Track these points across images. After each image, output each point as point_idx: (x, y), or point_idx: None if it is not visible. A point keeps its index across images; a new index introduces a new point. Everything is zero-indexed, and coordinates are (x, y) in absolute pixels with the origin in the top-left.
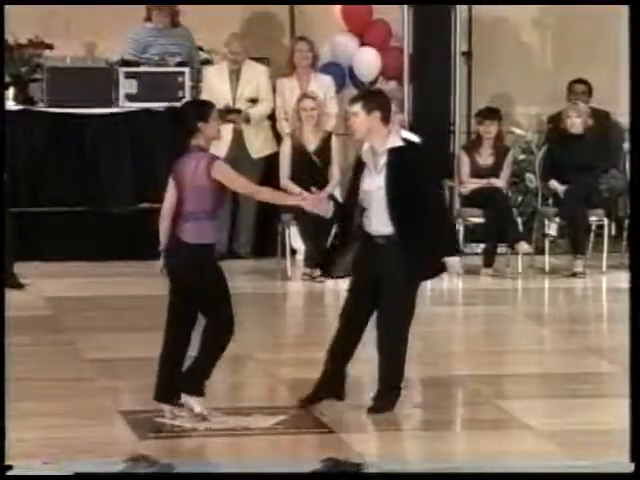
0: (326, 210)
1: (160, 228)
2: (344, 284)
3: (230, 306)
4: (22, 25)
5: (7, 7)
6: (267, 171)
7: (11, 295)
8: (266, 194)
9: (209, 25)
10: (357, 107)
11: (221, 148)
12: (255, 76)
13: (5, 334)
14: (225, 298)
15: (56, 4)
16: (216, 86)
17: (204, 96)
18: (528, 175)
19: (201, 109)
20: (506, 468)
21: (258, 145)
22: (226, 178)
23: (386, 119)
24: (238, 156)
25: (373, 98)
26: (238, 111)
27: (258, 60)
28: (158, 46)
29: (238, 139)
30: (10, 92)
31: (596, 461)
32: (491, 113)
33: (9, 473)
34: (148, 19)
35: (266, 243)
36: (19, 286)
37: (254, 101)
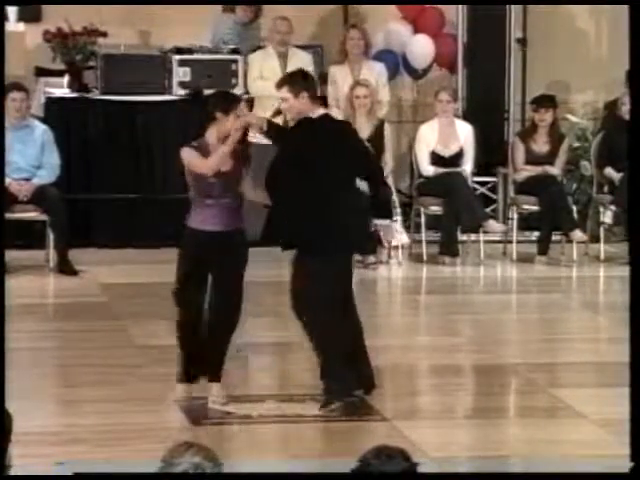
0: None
1: None
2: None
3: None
4: (76, 13)
5: None
6: None
7: (66, 281)
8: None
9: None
10: (284, 92)
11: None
12: (302, 64)
13: (5, 335)
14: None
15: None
16: (265, 67)
17: (252, 80)
18: (583, 163)
19: (225, 101)
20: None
21: None
22: (185, 161)
23: (314, 97)
24: None
25: (297, 80)
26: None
27: (311, 48)
28: (234, 41)
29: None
30: (65, 79)
31: (595, 460)
32: (547, 100)
33: (11, 473)
34: (231, 10)
35: None
36: (73, 273)
37: None
